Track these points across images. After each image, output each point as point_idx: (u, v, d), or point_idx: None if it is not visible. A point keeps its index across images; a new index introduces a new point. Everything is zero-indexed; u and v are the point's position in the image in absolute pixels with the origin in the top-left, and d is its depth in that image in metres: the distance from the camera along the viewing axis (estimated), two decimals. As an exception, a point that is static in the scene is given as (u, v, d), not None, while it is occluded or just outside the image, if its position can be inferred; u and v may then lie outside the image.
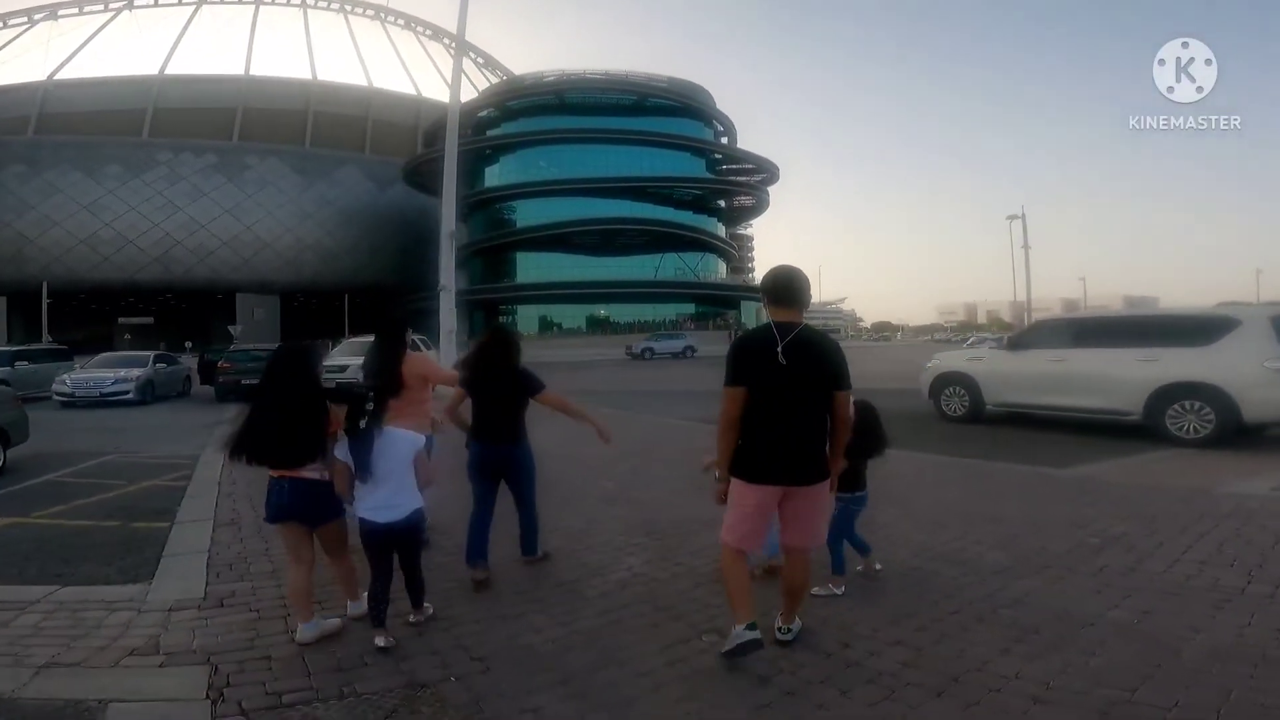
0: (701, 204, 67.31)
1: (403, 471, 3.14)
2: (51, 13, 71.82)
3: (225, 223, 63.36)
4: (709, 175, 67.21)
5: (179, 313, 66.68)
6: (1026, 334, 10.73)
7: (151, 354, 19.05)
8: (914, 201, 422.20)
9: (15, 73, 64.74)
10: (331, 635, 3.16)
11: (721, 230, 71.39)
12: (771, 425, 2.82)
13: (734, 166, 69.52)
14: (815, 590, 3.53)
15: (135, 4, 73.78)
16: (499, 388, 3.97)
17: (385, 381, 4.24)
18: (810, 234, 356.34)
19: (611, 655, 2.95)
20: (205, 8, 74.47)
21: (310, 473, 3.10)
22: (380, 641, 3.01)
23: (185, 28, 72.19)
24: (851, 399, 3.04)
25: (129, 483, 6.97)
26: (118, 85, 64.74)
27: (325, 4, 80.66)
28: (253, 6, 75.75)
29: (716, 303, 65.24)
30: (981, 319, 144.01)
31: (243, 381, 15.22)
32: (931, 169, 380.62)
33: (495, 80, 78.72)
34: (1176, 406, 8.14)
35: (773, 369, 2.79)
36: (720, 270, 70.64)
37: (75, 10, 72.39)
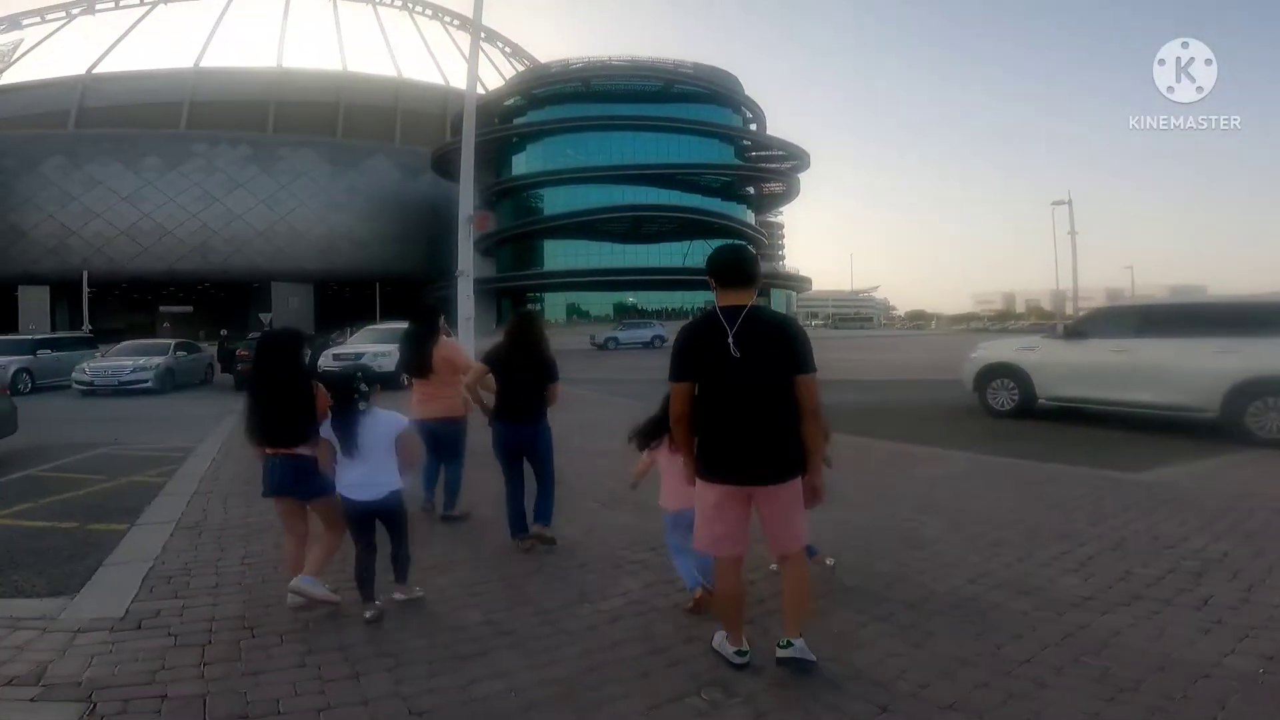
0: (730, 191, 66.00)
1: (382, 452, 3.17)
2: (89, 7, 73.13)
3: (260, 213, 64.04)
4: (737, 162, 65.82)
5: (218, 301, 67.70)
6: (1085, 322, 9.78)
7: (172, 342, 18.98)
8: (948, 189, 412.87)
9: (55, 66, 66.32)
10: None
11: (751, 217, 70.00)
12: (725, 422, 2.55)
13: (763, 153, 67.99)
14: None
15: (170, -3, 74.81)
16: (527, 371, 4.04)
17: (416, 364, 4.69)
18: (842, 221, 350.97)
19: (586, 716, 2.33)
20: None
21: (301, 450, 3.21)
22: (369, 615, 3.07)
23: (219, 21, 73.04)
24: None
25: (110, 478, 6.56)
26: (155, 79, 65.71)
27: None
28: (283, -2, 76.25)
29: (746, 291, 63.79)
30: (1020, 308, 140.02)
31: (260, 369, 14.99)
32: (966, 156, 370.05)
33: (523, 69, 78.22)
34: (1258, 403, 7.33)
35: (723, 362, 2.51)
36: (750, 258, 69.26)
37: (111, 4, 73.58)
